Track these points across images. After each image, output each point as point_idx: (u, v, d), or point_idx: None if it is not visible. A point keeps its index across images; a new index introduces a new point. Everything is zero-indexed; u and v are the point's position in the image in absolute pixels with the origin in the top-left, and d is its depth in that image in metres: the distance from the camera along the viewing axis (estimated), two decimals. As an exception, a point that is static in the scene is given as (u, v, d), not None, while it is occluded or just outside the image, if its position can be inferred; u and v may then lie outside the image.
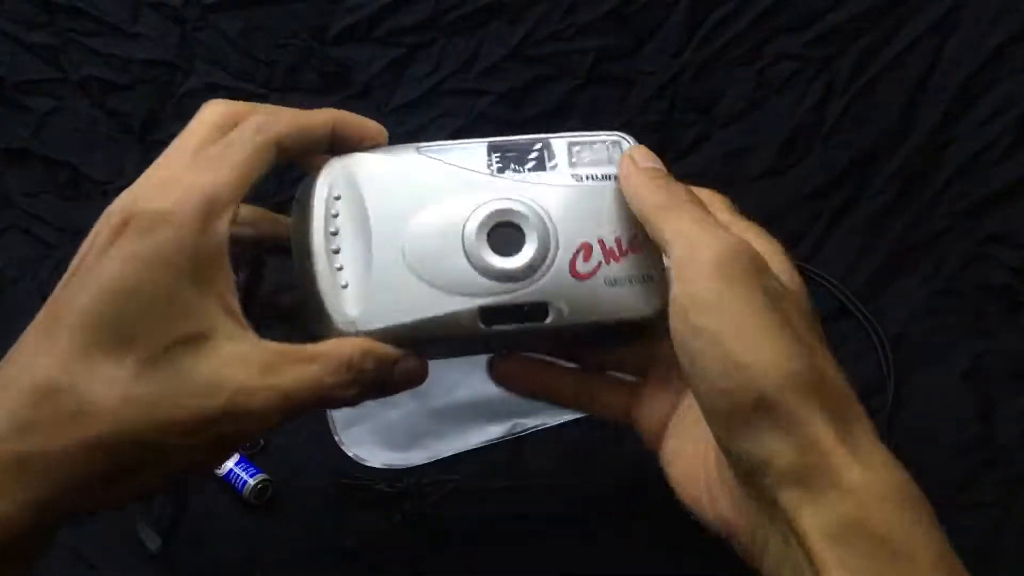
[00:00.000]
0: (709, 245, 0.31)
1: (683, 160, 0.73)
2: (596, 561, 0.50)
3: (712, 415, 0.31)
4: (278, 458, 0.55)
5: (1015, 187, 0.63)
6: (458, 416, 0.57)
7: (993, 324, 0.61)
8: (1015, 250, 0.62)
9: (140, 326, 0.30)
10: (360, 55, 0.74)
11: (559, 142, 0.39)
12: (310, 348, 0.34)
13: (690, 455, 0.36)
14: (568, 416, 0.57)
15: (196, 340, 0.31)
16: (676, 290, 0.31)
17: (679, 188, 0.35)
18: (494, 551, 0.51)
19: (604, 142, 0.39)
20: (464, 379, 0.59)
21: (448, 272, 0.36)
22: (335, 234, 0.37)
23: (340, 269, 0.36)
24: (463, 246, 0.36)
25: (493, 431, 0.57)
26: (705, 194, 0.37)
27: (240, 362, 0.31)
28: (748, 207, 0.71)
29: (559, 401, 0.43)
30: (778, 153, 0.70)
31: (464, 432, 0.57)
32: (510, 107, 0.73)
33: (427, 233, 0.36)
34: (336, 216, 0.37)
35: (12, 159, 0.76)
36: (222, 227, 0.33)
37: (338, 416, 0.56)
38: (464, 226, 0.36)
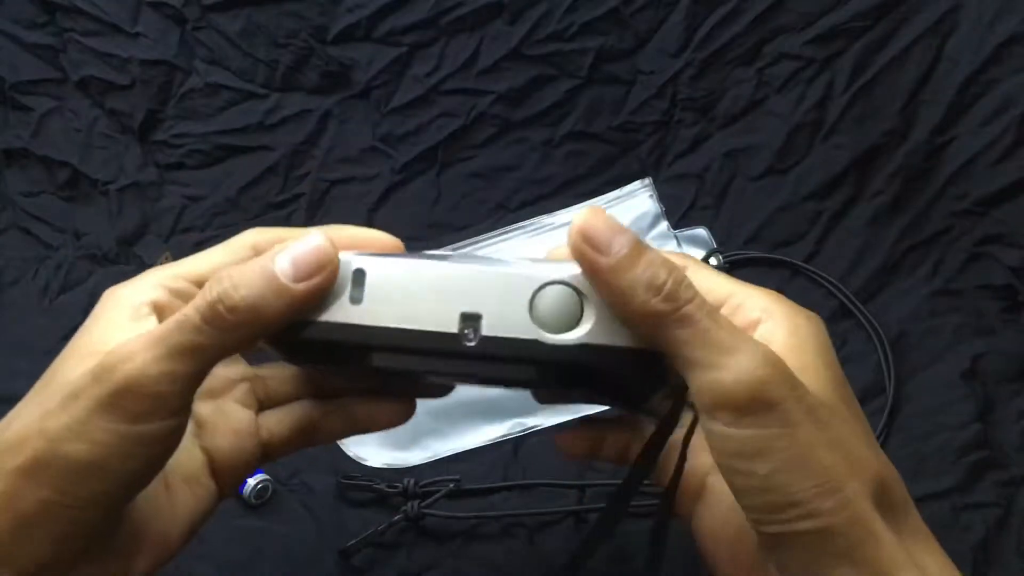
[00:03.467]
0: (737, 378, 0.27)
1: (683, 160, 0.73)
2: (596, 561, 0.50)
3: (764, 538, 0.29)
4: (278, 458, 0.55)
5: (1015, 187, 0.63)
6: (458, 416, 0.57)
7: (993, 324, 0.61)
8: (1015, 250, 0.62)
9: None
10: (360, 55, 0.74)
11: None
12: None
13: (731, 532, 0.33)
14: (568, 416, 0.57)
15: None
16: (707, 426, 0.28)
17: (671, 280, 0.28)
18: (494, 551, 0.51)
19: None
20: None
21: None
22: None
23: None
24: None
25: (493, 431, 0.57)
26: (681, 263, 0.31)
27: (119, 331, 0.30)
28: (748, 207, 0.72)
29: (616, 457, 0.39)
30: (778, 153, 0.70)
31: (464, 432, 0.57)
32: (510, 107, 0.73)
33: None
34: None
35: (12, 159, 0.76)
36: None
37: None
38: None
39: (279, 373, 0.37)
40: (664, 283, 0.28)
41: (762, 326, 0.31)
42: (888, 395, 0.57)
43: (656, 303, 0.28)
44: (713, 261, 0.66)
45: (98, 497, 0.29)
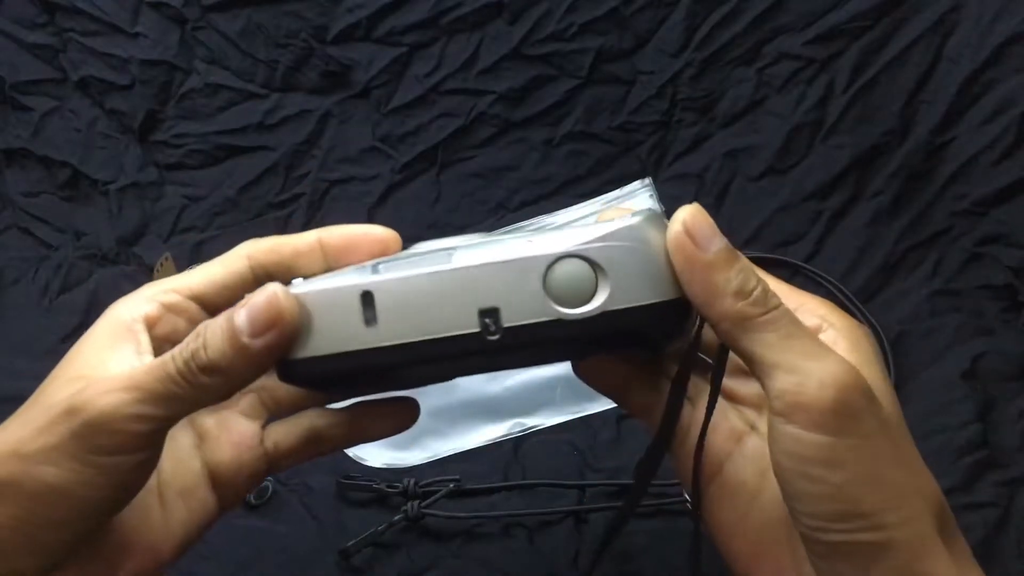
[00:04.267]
0: (821, 383, 0.28)
1: (683, 160, 0.73)
2: (595, 561, 0.50)
3: (816, 542, 0.29)
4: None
5: (1015, 187, 0.63)
6: (458, 416, 0.57)
7: (993, 324, 0.61)
8: (1015, 250, 0.62)
9: None
10: (360, 55, 0.74)
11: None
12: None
13: (761, 537, 0.33)
14: (568, 416, 0.57)
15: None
16: (782, 429, 0.28)
17: (760, 288, 0.29)
18: (494, 551, 0.51)
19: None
20: (463, 379, 0.59)
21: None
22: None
23: None
24: None
25: (493, 431, 0.57)
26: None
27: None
28: (748, 207, 0.72)
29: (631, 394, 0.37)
30: (778, 153, 0.70)
31: (464, 432, 0.57)
32: (510, 107, 0.73)
33: None
34: None
35: (12, 159, 0.76)
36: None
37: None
38: None
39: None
40: (754, 288, 0.29)
41: (823, 335, 0.32)
42: (888, 395, 0.57)
43: (745, 306, 0.29)
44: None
45: (65, 520, 0.29)
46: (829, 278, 0.64)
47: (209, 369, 0.29)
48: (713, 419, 0.34)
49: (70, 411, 0.29)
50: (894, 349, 0.59)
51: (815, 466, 0.28)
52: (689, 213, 0.29)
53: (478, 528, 0.52)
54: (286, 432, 0.36)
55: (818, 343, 0.29)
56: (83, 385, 0.29)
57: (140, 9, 0.73)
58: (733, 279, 0.29)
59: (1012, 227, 0.63)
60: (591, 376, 0.37)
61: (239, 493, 0.36)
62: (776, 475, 0.29)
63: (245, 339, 0.28)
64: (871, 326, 0.60)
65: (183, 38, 0.74)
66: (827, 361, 0.28)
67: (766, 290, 0.29)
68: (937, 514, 0.29)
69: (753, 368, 0.29)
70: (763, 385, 0.29)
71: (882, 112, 0.68)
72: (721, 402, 0.35)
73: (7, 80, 0.74)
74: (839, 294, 0.63)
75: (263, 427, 0.37)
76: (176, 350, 0.29)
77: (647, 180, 0.70)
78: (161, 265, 0.64)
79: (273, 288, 0.29)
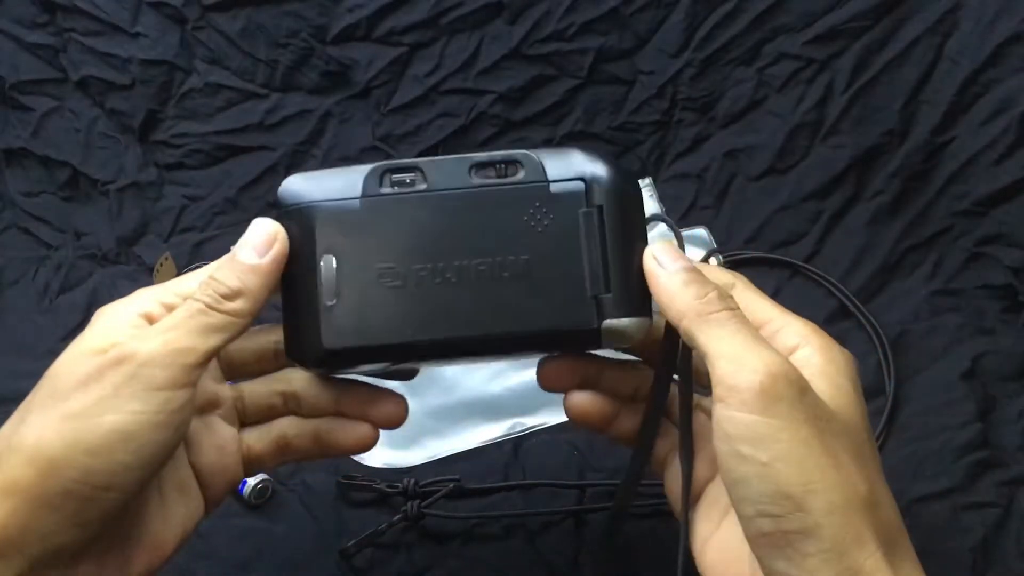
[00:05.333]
0: (754, 369, 0.31)
1: (683, 160, 0.73)
2: (595, 561, 0.50)
3: (754, 536, 0.31)
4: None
5: (1015, 187, 0.63)
6: (458, 416, 0.57)
7: (993, 324, 0.61)
8: (1015, 250, 0.62)
9: None
10: (360, 55, 0.74)
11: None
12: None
13: (728, 547, 0.35)
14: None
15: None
16: (720, 412, 0.31)
17: (714, 292, 0.34)
18: (494, 551, 0.51)
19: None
20: (463, 379, 0.59)
21: None
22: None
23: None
24: None
25: (493, 431, 0.57)
26: (729, 280, 0.37)
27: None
28: (748, 207, 0.72)
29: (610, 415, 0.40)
30: (778, 153, 0.70)
31: (464, 432, 0.57)
32: (510, 107, 0.73)
33: None
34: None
35: (12, 159, 0.76)
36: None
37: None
38: None
39: (257, 391, 0.40)
40: (708, 292, 0.33)
41: (799, 351, 0.34)
42: (888, 395, 0.57)
43: (700, 303, 0.33)
44: (713, 261, 0.65)
45: (121, 472, 0.31)
46: (829, 278, 0.64)
47: (232, 294, 0.34)
48: (695, 445, 0.37)
49: (119, 359, 0.32)
50: (894, 349, 0.59)
51: (744, 444, 0.30)
52: (659, 245, 0.35)
53: (478, 528, 0.52)
54: (258, 438, 0.39)
55: (762, 340, 0.32)
56: (123, 343, 0.32)
57: (140, 9, 0.73)
58: (690, 283, 0.34)
59: (1012, 227, 0.63)
60: (580, 417, 0.40)
61: (219, 494, 0.38)
62: (718, 463, 0.32)
63: (255, 260, 0.34)
64: (871, 326, 0.61)
65: (183, 38, 0.74)
66: (762, 352, 0.32)
67: (721, 296, 0.33)
68: (874, 513, 0.30)
69: (707, 362, 0.32)
70: (711, 376, 0.32)
71: (882, 112, 0.68)
72: (702, 430, 0.37)
73: (7, 80, 0.74)
74: (839, 294, 0.63)
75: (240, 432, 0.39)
76: (196, 293, 0.34)
77: (647, 180, 0.71)
78: (161, 265, 0.64)
79: (260, 220, 0.35)
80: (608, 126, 0.73)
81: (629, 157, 0.73)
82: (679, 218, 0.70)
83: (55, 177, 0.75)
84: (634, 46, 0.73)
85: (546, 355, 0.38)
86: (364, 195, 0.36)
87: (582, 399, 0.39)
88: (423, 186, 0.36)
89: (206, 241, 0.72)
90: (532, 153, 0.36)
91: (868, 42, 0.69)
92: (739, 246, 0.68)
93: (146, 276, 0.70)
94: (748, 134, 0.72)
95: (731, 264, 0.66)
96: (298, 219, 0.36)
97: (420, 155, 0.74)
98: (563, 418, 0.57)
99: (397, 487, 0.52)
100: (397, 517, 0.51)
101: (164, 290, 0.36)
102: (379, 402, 0.39)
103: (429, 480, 0.53)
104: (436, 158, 0.36)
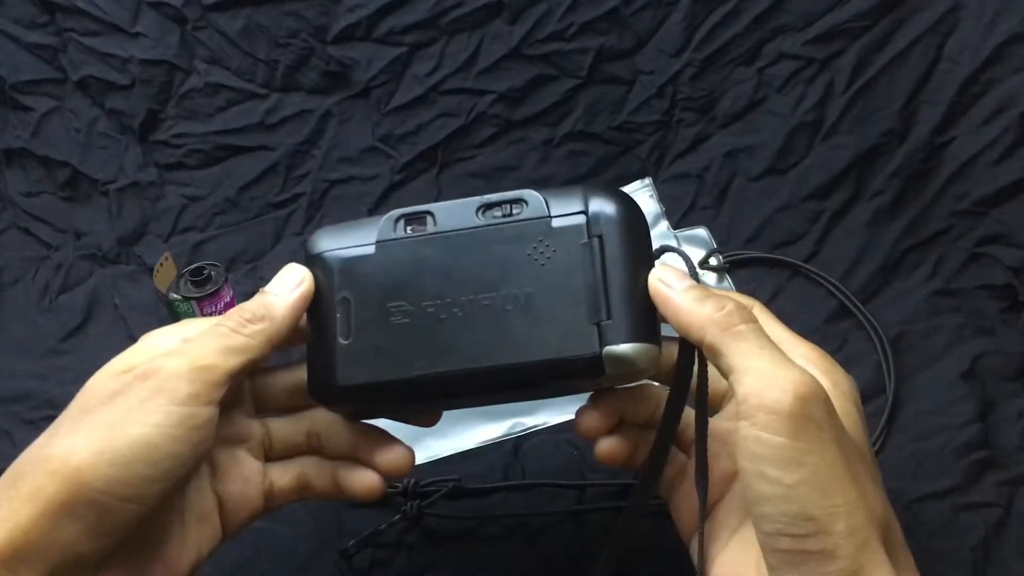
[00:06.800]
0: (783, 389, 0.30)
1: (683, 160, 0.73)
2: (595, 561, 0.50)
3: (771, 550, 0.31)
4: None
5: (1015, 187, 0.63)
6: (458, 416, 0.57)
7: (993, 324, 0.61)
8: (1015, 250, 0.62)
9: None
10: (360, 55, 0.74)
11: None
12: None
13: (736, 567, 0.35)
14: (568, 416, 0.57)
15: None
16: (746, 431, 0.31)
17: (732, 304, 0.33)
18: (494, 551, 0.51)
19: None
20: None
21: None
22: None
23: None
24: None
25: (493, 431, 0.57)
26: (746, 303, 0.36)
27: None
28: (748, 207, 0.72)
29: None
30: (778, 153, 0.70)
31: (464, 432, 0.57)
32: (510, 107, 0.73)
33: None
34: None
35: (12, 159, 0.76)
36: None
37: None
38: None
39: (284, 428, 0.40)
40: (726, 305, 0.33)
41: None
42: (888, 395, 0.57)
43: (721, 316, 0.33)
44: (713, 261, 0.66)
45: (142, 484, 0.32)
46: (829, 278, 0.64)
47: (255, 319, 0.36)
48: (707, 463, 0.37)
49: (145, 375, 0.33)
50: (894, 349, 0.59)
51: (771, 466, 0.30)
52: (662, 269, 0.35)
53: (478, 528, 0.52)
54: (281, 473, 0.40)
55: (786, 356, 0.32)
56: (149, 361, 0.34)
57: (140, 9, 0.73)
58: (705, 298, 0.33)
59: (1012, 227, 0.63)
60: (610, 460, 0.40)
61: (239, 524, 0.39)
62: (740, 480, 0.31)
63: (283, 293, 0.37)
64: (871, 326, 0.61)
65: (183, 38, 0.74)
66: (792, 370, 0.31)
67: (739, 308, 0.33)
68: (885, 532, 0.31)
69: (730, 378, 0.32)
70: (735, 392, 0.31)
71: (882, 112, 0.68)
72: (714, 447, 0.37)
73: (7, 80, 0.75)
74: (839, 294, 0.63)
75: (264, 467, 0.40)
76: (223, 319, 0.36)
77: (647, 180, 0.71)
78: (161, 265, 0.64)
79: (291, 264, 0.38)
80: (608, 126, 0.73)
81: (629, 157, 0.73)
82: (679, 218, 0.70)
83: (55, 177, 0.75)
84: (634, 46, 0.73)
85: (562, 395, 0.39)
86: (379, 240, 0.38)
87: (611, 444, 0.40)
88: (433, 228, 0.37)
89: (206, 241, 0.72)
90: (537, 192, 0.37)
91: (868, 42, 0.69)
92: (739, 246, 0.68)
93: (146, 276, 0.70)
94: (748, 134, 0.72)
95: (731, 264, 0.66)
96: (321, 266, 0.38)
97: (420, 155, 0.74)
98: (563, 418, 0.57)
99: (397, 487, 0.52)
100: (397, 517, 0.51)
101: (208, 320, 0.37)
102: (386, 449, 0.40)
103: (429, 480, 0.53)
104: (447, 202, 0.38)
